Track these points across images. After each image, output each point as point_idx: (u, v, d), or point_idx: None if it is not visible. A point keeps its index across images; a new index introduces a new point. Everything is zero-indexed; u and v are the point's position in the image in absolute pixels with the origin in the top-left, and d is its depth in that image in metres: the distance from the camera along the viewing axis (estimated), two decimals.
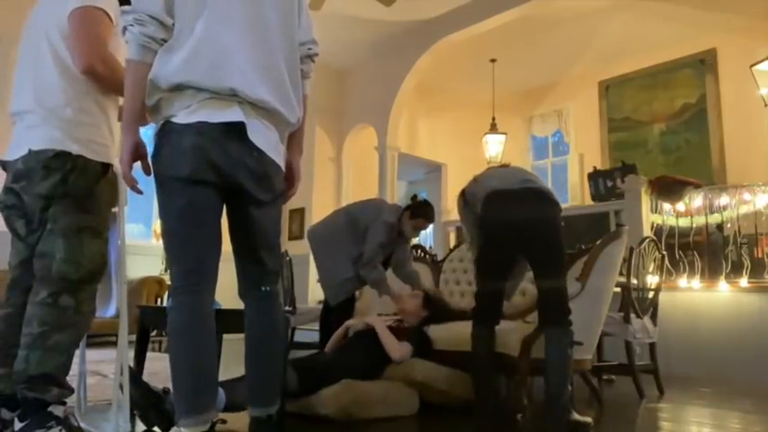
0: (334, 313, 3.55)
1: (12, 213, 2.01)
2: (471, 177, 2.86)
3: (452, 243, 6.47)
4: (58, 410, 1.87)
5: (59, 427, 1.85)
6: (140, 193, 1.62)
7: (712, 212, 5.09)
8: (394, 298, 3.40)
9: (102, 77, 1.95)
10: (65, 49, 1.96)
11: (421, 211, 3.59)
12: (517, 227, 2.52)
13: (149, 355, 2.89)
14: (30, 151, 1.91)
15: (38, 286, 1.92)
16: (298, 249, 7.14)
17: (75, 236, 1.93)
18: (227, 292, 2.08)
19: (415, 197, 3.75)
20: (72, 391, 1.96)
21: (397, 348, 2.82)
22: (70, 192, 1.92)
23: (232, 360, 2.14)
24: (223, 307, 2.30)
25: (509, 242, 2.57)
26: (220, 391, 2.11)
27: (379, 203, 3.82)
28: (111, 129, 2.07)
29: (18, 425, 1.84)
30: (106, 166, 2.01)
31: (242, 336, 1.69)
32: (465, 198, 2.82)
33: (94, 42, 1.92)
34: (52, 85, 1.95)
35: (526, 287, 3.25)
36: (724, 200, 5.05)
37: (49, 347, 1.85)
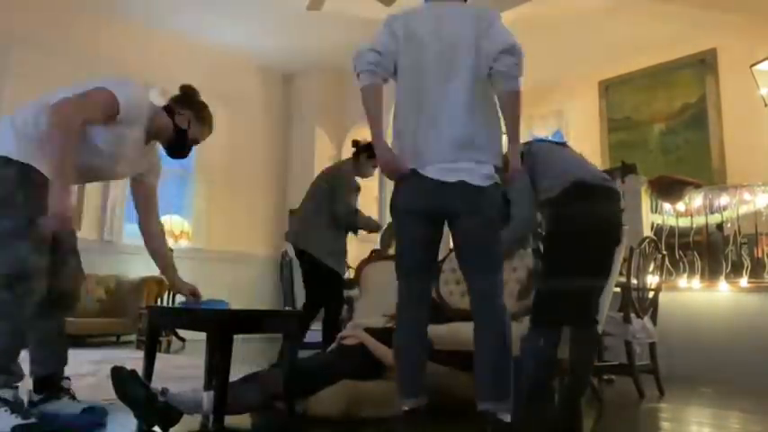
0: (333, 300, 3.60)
1: None
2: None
3: (452, 243, 6.45)
4: (6, 394, 1.97)
5: (5, 408, 1.93)
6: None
7: (712, 212, 5.09)
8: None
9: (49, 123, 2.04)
10: None
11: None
12: (601, 228, 2.34)
13: None
14: None
15: None
16: None
17: None
18: (228, 292, 2.08)
19: (358, 142, 3.80)
20: (21, 376, 2.06)
21: (387, 354, 2.83)
22: None
23: (235, 361, 2.13)
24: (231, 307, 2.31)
25: (595, 242, 2.32)
26: (204, 395, 2.09)
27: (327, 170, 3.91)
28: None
29: None
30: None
31: (245, 336, 1.68)
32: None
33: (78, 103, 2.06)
34: None
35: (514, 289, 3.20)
36: (724, 200, 5.05)
37: None
